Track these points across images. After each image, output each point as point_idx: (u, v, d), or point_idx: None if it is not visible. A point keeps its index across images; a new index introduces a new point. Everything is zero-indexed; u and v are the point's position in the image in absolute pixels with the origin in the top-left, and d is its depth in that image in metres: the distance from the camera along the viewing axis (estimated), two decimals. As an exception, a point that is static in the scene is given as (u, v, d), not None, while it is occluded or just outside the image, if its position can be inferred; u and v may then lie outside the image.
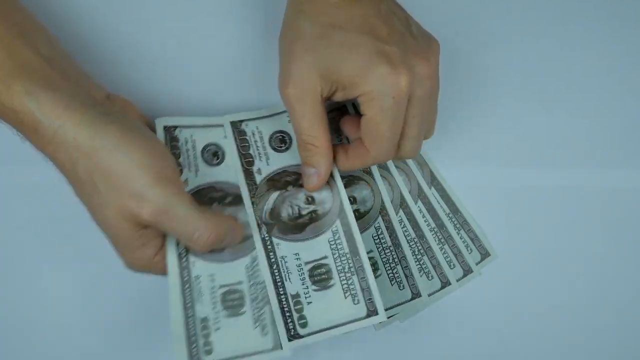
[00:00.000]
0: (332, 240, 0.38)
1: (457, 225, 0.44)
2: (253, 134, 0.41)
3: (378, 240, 0.43)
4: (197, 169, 0.38)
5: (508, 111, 0.45)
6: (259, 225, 0.38)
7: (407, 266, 0.42)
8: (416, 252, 0.43)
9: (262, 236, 0.38)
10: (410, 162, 0.44)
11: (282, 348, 0.35)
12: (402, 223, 0.43)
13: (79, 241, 0.41)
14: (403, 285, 0.42)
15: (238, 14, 0.44)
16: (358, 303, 0.36)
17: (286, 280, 0.37)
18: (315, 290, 0.37)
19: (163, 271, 0.35)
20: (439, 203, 0.44)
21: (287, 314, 0.36)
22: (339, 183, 0.39)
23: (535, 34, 0.46)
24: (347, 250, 0.38)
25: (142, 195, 0.31)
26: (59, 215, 0.41)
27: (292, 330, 0.36)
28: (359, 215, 0.41)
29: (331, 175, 0.39)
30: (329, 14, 0.34)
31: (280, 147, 0.40)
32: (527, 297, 0.44)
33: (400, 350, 0.43)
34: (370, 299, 0.36)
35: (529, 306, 0.44)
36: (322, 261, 0.38)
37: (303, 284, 0.37)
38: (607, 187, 0.45)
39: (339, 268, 0.37)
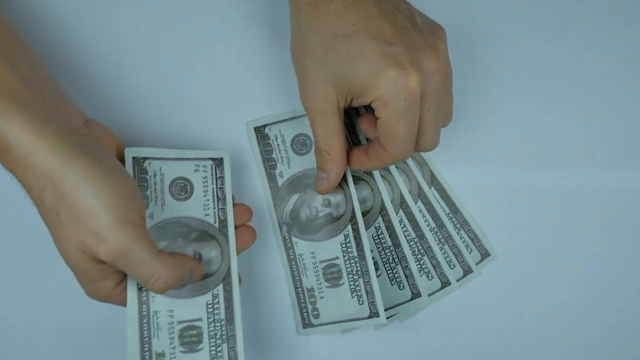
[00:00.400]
0: (343, 243, 0.40)
1: (457, 225, 0.44)
2: (276, 137, 0.42)
3: (378, 240, 0.43)
4: (163, 203, 0.37)
5: (508, 111, 0.45)
6: (280, 225, 0.42)
7: (407, 266, 0.43)
8: (416, 252, 0.43)
9: (283, 235, 0.42)
10: (410, 162, 0.44)
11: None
12: (402, 223, 0.43)
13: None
14: (403, 285, 0.42)
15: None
16: (362, 304, 0.39)
17: (303, 275, 0.41)
18: (327, 287, 0.40)
19: (123, 303, 0.35)
20: (439, 203, 0.44)
21: (303, 305, 0.41)
22: (352, 190, 0.41)
23: (536, 34, 0.46)
24: (355, 254, 0.40)
25: (101, 235, 0.30)
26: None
27: (307, 319, 0.41)
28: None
29: (345, 182, 0.41)
30: (330, 23, 0.34)
31: (302, 150, 0.42)
32: (527, 297, 0.44)
33: (400, 350, 0.43)
34: (373, 302, 0.39)
35: (529, 306, 0.44)
36: (334, 261, 0.40)
37: (317, 280, 0.41)
38: (607, 187, 0.45)
39: (348, 269, 0.40)
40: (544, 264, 0.44)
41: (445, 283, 0.43)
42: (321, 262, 0.41)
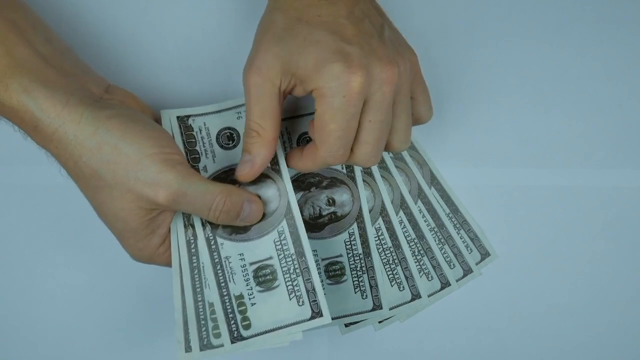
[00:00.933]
0: (347, 241, 0.41)
1: (457, 225, 0.44)
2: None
3: (378, 241, 0.43)
4: (214, 155, 0.39)
5: (508, 111, 0.45)
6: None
7: (407, 267, 0.43)
8: (416, 253, 0.43)
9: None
10: (410, 162, 0.44)
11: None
12: (402, 224, 0.43)
13: (79, 241, 0.41)
14: (403, 287, 0.42)
15: (239, 7, 0.44)
16: (366, 298, 0.40)
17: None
18: (329, 284, 0.40)
19: (167, 262, 0.36)
20: (439, 203, 0.44)
21: (314, 302, 0.38)
22: (362, 192, 0.41)
23: (535, 35, 0.46)
24: (360, 251, 0.40)
25: (156, 182, 0.32)
26: (59, 215, 0.41)
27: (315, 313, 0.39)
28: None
29: (353, 181, 0.41)
30: (300, 9, 0.34)
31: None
32: (527, 297, 0.44)
33: (400, 350, 0.43)
34: (377, 295, 0.39)
35: (529, 306, 0.44)
36: (337, 259, 0.40)
37: (320, 278, 0.39)
38: (607, 187, 0.45)
39: (352, 266, 0.40)
40: (544, 264, 0.44)
41: (445, 284, 0.43)
42: (323, 260, 0.41)
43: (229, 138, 0.40)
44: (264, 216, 0.39)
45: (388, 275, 0.43)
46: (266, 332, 0.37)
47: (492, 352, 0.43)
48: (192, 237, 0.37)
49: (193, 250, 0.37)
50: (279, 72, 0.34)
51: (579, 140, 0.45)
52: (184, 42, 0.43)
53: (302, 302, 0.37)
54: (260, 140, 0.36)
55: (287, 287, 0.37)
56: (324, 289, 0.39)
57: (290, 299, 0.37)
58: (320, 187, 0.42)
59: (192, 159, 0.39)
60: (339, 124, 0.33)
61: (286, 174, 0.39)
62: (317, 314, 0.37)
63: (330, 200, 0.41)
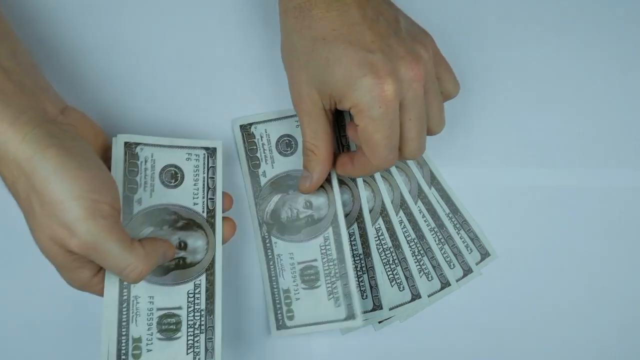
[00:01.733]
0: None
1: (457, 225, 0.44)
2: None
3: (378, 241, 0.43)
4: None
5: (508, 111, 0.45)
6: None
7: (407, 267, 0.43)
8: (416, 253, 0.43)
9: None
10: (410, 162, 0.44)
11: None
12: (402, 224, 0.43)
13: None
14: (403, 287, 0.42)
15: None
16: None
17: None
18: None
19: (101, 293, 0.35)
20: (439, 203, 0.44)
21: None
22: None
23: (535, 35, 0.46)
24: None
25: (71, 228, 0.30)
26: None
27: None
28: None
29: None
30: (313, 27, 0.34)
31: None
32: (527, 297, 0.44)
33: (400, 350, 0.43)
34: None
35: (529, 306, 0.44)
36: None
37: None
38: (607, 187, 0.45)
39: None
40: (544, 264, 0.44)
41: (445, 284, 0.43)
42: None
43: (287, 145, 0.42)
44: (317, 221, 0.41)
45: (388, 275, 0.43)
46: (305, 325, 0.40)
47: (492, 352, 0.43)
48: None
49: (125, 283, 0.35)
50: (318, 96, 0.36)
51: (579, 140, 0.45)
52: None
53: (339, 303, 0.40)
54: (315, 159, 0.38)
55: (327, 288, 0.40)
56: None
57: (328, 299, 0.40)
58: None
59: (253, 164, 0.41)
60: (383, 133, 0.34)
61: (336, 186, 0.41)
62: (350, 316, 0.39)
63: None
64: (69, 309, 0.41)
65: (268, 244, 0.41)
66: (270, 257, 0.41)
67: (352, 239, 0.42)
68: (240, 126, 0.42)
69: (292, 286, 0.41)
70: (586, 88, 0.46)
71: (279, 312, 0.41)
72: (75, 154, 0.31)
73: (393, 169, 0.44)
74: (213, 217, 0.38)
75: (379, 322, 0.43)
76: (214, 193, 0.38)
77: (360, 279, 0.42)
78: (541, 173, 0.45)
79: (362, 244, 0.42)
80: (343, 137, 0.43)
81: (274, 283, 0.41)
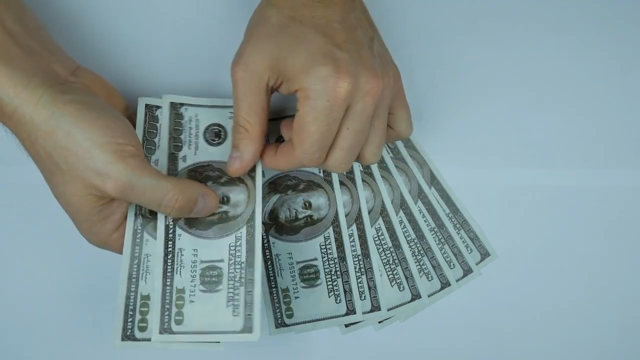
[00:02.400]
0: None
1: (457, 225, 0.44)
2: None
3: (378, 241, 0.43)
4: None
5: (508, 111, 0.45)
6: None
7: (407, 267, 0.43)
8: (416, 253, 0.43)
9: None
10: (410, 162, 0.44)
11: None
12: (402, 224, 0.43)
13: (79, 240, 0.41)
14: (403, 287, 0.43)
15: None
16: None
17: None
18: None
19: (119, 249, 0.36)
20: (439, 203, 0.44)
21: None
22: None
23: (535, 35, 0.46)
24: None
25: (104, 172, 0.32)
26: (59, 215, 0.41)
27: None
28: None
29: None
30: (295, 8, 0.34)
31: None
32: (527, 297, 0.44)
33: (400, 350, 0.43)
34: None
35: (529, 306, 0.44)
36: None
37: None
38: (607, 187, 0.45)
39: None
40: (544, 264, 0.44)
41: (445, 284, 0.43)
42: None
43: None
44: (316, 221, 0.41)
45: (388, 275, 0.43)
46: (305, 322, 0.41)
47: (492, 352, 0.43)
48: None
49: (138, 240, 0.37)
50: (267, 68, 0.34)
51: (579, 140, 0.45)
52: (174, 32, 0.43)
53: (340, 300, 0.41)
54: (248, 136, 0.35)
55: (327, 286, 0.40)
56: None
57: (329, 297, 0.41)
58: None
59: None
60: (319, 127, 0.33)
61: (337, 187, 0.41)
62: (351, 311, 0.40)
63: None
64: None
65: (266, 244, 0.42)
66: (268, 257, 0.41)
67: (351, 239, 0.42)
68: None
69: (291, 285, 0.41)
70: (586, 88, 0.46)
71: (277, 310, 0.41)
72: (91, 106, 0.33)
73: (393, 169, 0.44)
74: (254, 170, 0.38)
75: (379, 322, 0.43)
76: None
77: (358, 280, 0.42)
78: (541, 173, 0.45)
79: (360, 245, 0.42)
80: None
81: (272, 283, 0.41)
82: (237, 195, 0.38)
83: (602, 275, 0.44)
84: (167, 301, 0.36)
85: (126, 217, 0.36)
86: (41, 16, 0.37)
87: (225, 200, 0.39)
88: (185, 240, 0.37)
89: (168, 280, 0.36)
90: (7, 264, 0.42)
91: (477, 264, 0.44)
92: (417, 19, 0.41)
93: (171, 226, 0.37)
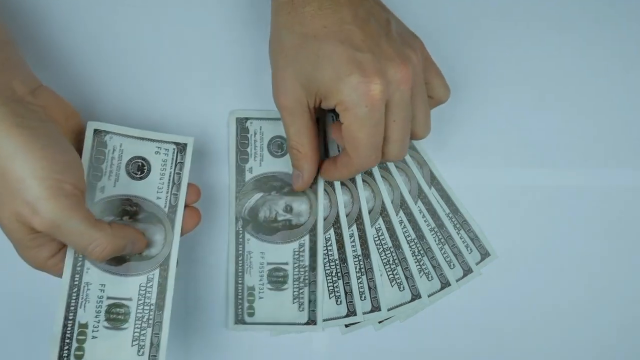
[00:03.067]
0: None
1: (457, 225, 0.44)
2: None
3: (379, 241, 0.43)
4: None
5: (508, 111, 0.45)
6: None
7: (407, 267, 0.43)
8: (416, 253, 0.43)
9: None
10: (410, 162, 0.44)
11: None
12: (402, 224, 0.43)
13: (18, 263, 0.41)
14: (403, 287, 0.43)
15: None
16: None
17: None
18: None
19: (58, 273, 0.35)
20: (438, 203, 0.44)
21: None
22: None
23: (535, 35, 0.46)
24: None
25: (34, 206, 0.30)
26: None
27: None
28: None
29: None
30: (304, 24, 0.34)
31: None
32: (527, 297, 0.44)
33: (400, 350, 0.43)
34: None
35: (529, 306, 0.44)
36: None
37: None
38: (607, 187, 0.45)
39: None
40: (544, 264, 0.44)
41: (445, 284, 0.43)
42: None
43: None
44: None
45: (388, 275, 0.43)
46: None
47: (492, 352, 0.43)
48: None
49: (79, 268, 0.36)
50: (303, 92, 0.35)
51: (579, 140, 0.45)
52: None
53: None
54: (302, 157, 0.38)
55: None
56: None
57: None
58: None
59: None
60: (367, 133, 0.34)
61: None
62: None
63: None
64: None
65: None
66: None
67: (351, 240, 0.42)
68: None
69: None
70: (587, 87, 0.46)
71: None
72: (40, 134, 0.32)
73: (393, 169, 0.44)
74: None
75: (379, 322, 0.43)
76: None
77: (359, 280, 0.42)
78: (541, 173, 0.45)
79: (361, 245, 0.42)
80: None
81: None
82: (299, 205, 0.42)
83: (602, 275, 0.44)
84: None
85: (62, 245, 0.35)
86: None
87: (288, 209, 0.41)
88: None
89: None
90: (7, 263, 0.42)
91: (477, 264, 0.44)
92: (417, 18, 0.40)
93: (240, 232, 0.41)
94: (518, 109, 0.45)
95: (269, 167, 0.42)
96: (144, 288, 0.37)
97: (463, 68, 0.45)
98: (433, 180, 0.45)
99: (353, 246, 0.42)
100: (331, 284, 0.42)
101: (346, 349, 0.43)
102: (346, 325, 0.42)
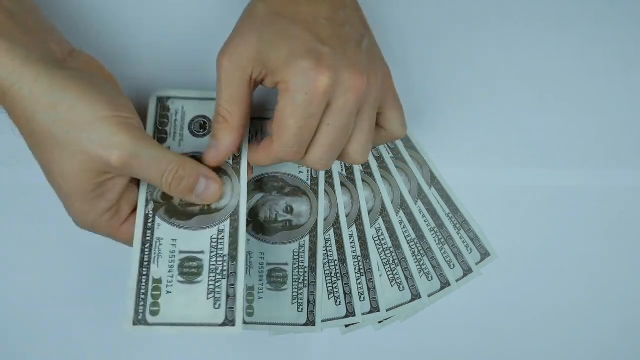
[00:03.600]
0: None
1: (457, 225, 0.44)
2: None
3: (379, 241, 0.43)
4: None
5: (508, 111, 0.45)
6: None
7: (407, 267, 0.43)
8: (416, 253, 0.43)
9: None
10: (410, 162, 0.44)
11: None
12: (402, 224, 0.43)
13: (79, 240, 0.41)
14: (403, 287, 0.43)
15: None
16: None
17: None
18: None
19: (108, 231, 0.35)
20: (438, 203, 0.44)
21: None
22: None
23: (535, 35, 0.46)
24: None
25: (109, 143, 0.32)
26: (59, 215, 0.41)
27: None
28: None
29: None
30: (282, 4, 0.34)
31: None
32: (527, 297, 0.44)
33: (400, 350, 0.43)
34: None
35: (529, 306, 0.44)
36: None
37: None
38: (607, 187, 0.45)
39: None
40: (544, 264, 0.44)
41: (445, 284, 0.43)
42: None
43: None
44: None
45: (388, 276, 0.43)
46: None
47: (492, 352, 0.43)
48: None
49: (150, 224, 0.36)
50: (251, 61, 0.34)
51: (579, 140, 0.45)
52: (170, 27, 0.43)
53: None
54: (227, 127, 0.35)
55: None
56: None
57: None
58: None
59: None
60: (297, 121, 0.33)
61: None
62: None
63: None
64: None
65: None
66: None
67: (351, 241, 0.42)
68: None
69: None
70: (587, 87, 0.46)
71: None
72: (93, 82, 0.33)
73: (393, 169, 0.44)
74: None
75: (379, 322, 0.43)
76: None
77: (358, 281, 0.42)
78: (541, 173, 0.45)
79: (360, 246, 0.42)
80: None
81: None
82: (300, 206, 0.41)
83: (602, 275, 0.44)
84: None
85: (119, 197, 0.35)
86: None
87: (289, 210, 0.41)
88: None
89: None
90: (8, 264, 0.42)
91: (477, 264, 0.44)
92: (417, 18, 0.40)
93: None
94: (518, 109, 0.45)
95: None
96: (216, 240, 0.37)
97: (463, 68, 0.45)
98: (433, 180, 0.45)
99: (352, 247, 0.42)
100: (330, 285, 0.42)
101: (346, 349, 0.43)
102: (346, 326, 0.42)
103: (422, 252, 0.43)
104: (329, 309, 0.42)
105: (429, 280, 0.43)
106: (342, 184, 0.43)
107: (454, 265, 0.44)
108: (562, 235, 0.44)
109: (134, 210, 0.36)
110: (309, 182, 0.42)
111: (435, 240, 0.44)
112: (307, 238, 0.41)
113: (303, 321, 0.41)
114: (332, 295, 0.42)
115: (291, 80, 0.32)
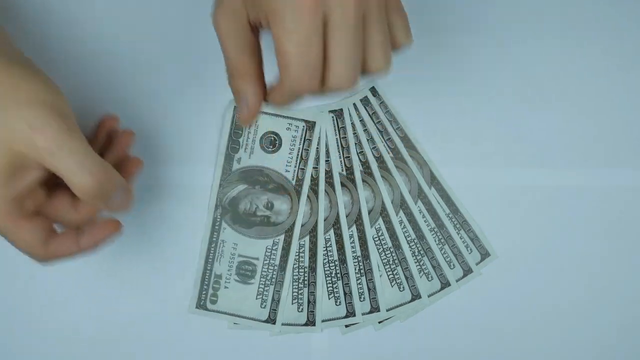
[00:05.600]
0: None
1: (457, 226, 0.44)
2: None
3: (379, 241, 0.43)
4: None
5: (508, 111, 0.45)
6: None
7: (407, 267, 0.43)
8: (416, 253, 0.43)
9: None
10: (410, 162, 0.44)
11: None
12: (402, 224, 0.43)
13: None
14: (403, 287, 0.43)
15: None
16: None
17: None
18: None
19: (2, 220, 0.33)
20: (438, 203, 0.44)
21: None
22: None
23: (535, 34, 0.46)
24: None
25: (42, 124, 0.30)
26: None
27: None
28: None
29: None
30: None
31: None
32: (527, 297, 0.44)
33: (400, 350, 0.43)
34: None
35: (529, 306, 0.44)
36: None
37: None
38: (607, 187, 0.45)
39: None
40: (544, 264, 0.44)
41: (445, 284, 0.43)
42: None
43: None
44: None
45: (388, 276, 0.43)
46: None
47: (492, 352, 0.43)
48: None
49: (217, 226, 0.42)
50: (242, 4, 0.32)
51: (580, 140, 0.45)
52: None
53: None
54: (245, 78, 0.34)
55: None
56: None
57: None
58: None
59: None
60: (296, 44, 0.30)
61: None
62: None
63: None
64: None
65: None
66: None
67: (351, 241, 0.42)
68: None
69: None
70: (587, 87, 0.46)
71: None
72: (38, 69, 0.33)
73: (393, 169, 0.44)
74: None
75: (379, 322, 0.43)
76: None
77: (358, 281, 0.42)
78: (541, 173, 0.45)
79: (360, 247, 0.42)
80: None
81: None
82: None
83: (602, 275, 0.44)
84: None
85: (27, 191, 0.32)
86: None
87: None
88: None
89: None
90: (8, 264, 0.42)
91: (477, 264, 0.44)
92: (417, 18, 0.40)
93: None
94: (518, 108, 0.45)
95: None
96: (270, 250, 0.42)
97: (463, 68, 0.45)
98: (433, 180, 0.45)
99: (352, 247, 0.42)
100: (330, 285, 0.42)
101: (346, 349, 0.43)
102: (346, 326, 0.42)
103: (422, 252, 0.43)
104: (329, 309, 0.42)
105: (429, 281, 0.43)
106: (342, 184, 0.43)
107: (454, 265, 0.44)
108: (562, 235, 0.44)
109: (38, 214, 0.34)
110: (293, 182, 0.42)
111: (435, 241, 0.44)
112: (282, 237, 0.42)
113: (303, 321, 0.41)
114: (332, 295, 0.42)
115: (276, 6, 0.30)
